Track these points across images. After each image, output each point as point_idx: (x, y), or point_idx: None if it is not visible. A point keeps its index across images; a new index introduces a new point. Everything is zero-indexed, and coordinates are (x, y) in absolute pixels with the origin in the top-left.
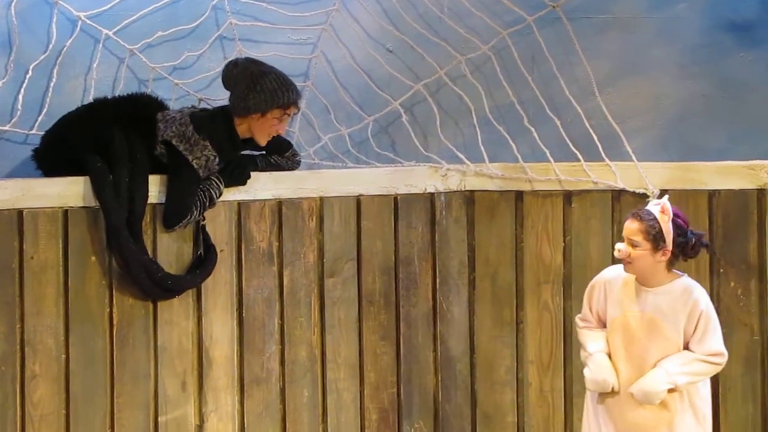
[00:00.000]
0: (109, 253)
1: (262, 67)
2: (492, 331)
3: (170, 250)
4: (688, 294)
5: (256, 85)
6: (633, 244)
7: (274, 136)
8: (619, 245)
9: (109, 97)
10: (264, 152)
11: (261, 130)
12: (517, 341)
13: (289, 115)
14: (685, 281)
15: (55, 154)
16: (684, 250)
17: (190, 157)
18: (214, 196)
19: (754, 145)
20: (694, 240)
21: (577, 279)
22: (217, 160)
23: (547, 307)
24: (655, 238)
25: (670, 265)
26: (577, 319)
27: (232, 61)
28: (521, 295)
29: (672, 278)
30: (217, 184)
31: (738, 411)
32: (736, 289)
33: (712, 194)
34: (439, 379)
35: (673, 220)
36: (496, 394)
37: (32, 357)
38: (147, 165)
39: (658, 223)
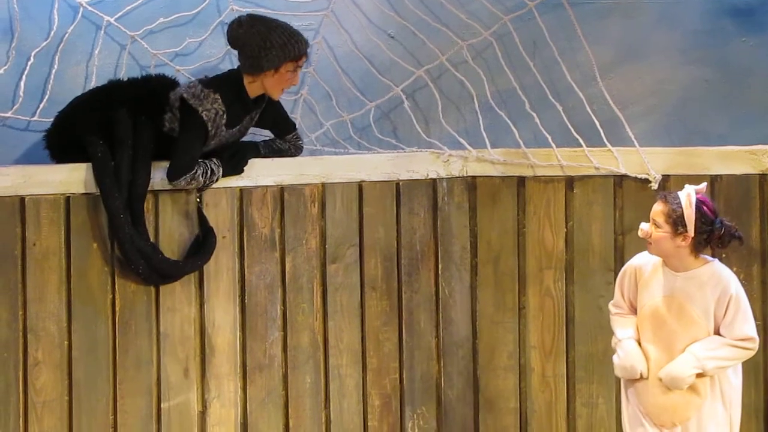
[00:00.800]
0: (112, 240)
1: (269, 23)
2: (494, 316)
3: (172, 237)
4: (718, 278)
5: (266, 41)
6: (656, 225)
7: (279, 119)
8: (642, 225)
9: (123, 79)
10: (265, 138)
11: (276, 85)
12: (519, 327)
13: (300, 66)
14: (715, 266)
15: (63, 137)
16: (709, 239)
17: (200, 109)
18: (215, 173)
19: (756, 130)
20: (723, 230)
21: (579, 264)
22: (225, 117)
23: (550, 292)
24: (676, 222)
25: (696, 251)
26: (610, 305)
27: (235, 20)
28: (523, 280)
29: (701, 263)
30: (216, 166)
31: (741, 396)
32: (738, 274)
33: (714, 179)
34: (442, 364)
35: (697, 208)
36: (499, 379)
37: (35, 343)
38: (151, 148)
39: (681, 208)
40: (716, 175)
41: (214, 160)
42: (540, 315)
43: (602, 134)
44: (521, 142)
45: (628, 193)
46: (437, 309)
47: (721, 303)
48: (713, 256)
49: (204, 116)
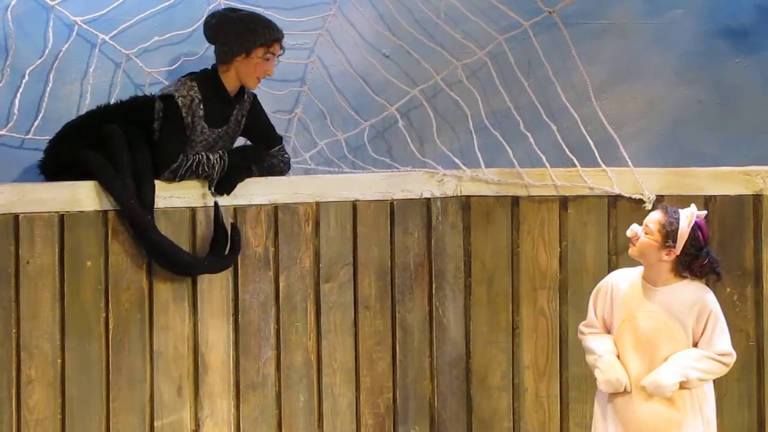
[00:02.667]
0: (105, 258)
1: (240, 12)
2: (488, 336)
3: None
4: (697, 294)
5: (236, 27)
6: (646, 231)
7: (264, 131)
8: (634, 225)
9: (110, 103)
10: (255, 146)
11: (248, 72)
12: (513, 347)
13: (274, 54)
14: (692, 282)
15: (56, 163)
16: (691, 263)
17: (175, 95)
18: (210, 160)
19: (750, 151)
20: (706, 260)
21: (573, 284)
22: (202, 107)
23: (543, 312)
24: (667, 235)
25: (676, 271)
26: (581, 326)
27: (210, 13)
28: (517, 300)
29: (678, 279)
30: (213, 156)
31: (734, 416)
32: (732, 294)
33: (708, 200)
34: (435, 384)
35: (693, 229)
36: (492, 399)
37: (28, 361)
38: (149, 154)
39: (678, 223)
40: (710, 196)
41: (219, 153)
42: (534, 335)
43: (596, 154)
44: (515, 162)
45: (622, 214)
46: (431, 328)
47: (701, 319)
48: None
49: (179, 102)
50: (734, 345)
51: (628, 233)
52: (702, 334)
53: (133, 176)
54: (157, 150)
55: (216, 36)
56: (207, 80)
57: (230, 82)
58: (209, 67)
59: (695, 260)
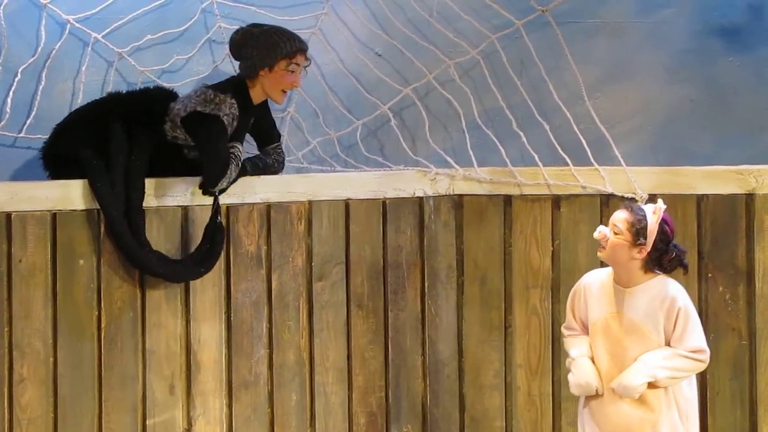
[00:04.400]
0: (98, 256)
1: (263, 26)
2: (480, 335)
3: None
4: (665, 292)
5: (258, 42)
6: (615, 231)
7: (267, 126)
8: (601, 227)
9: (122, 92)
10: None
11: (273, 86)
12: (505, 345)
13: (298, 64)
14: (662, 280)
15: (58, 149)
16: (660, 259)
17: (220, 114)
18: (239, 158)
19: (743, 150)
20: (674, 254)
21: (565, 283)
22: (235, 123)
23: (536, 311)
24: (638, 233)
25: (646, 267)
26: (563, 328)
27: (235, 31)
28: (510, 299)
29: (648, 278)
30: (238, 154)
31: (726, 416)
32: (724, 293)
33: (701, 199)
34: (428, 383)
35: (660, 224)
36: (485, 398)
37: (20, 360)
38: (147, 160)
39: (646, 220)
40: (702, 195)
41: (237, 145)
42: (526, 333)
43: (589, 153)
44: (508, 161)
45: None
46: (423, 327)
47: (670, 316)
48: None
49: (225, 120)
50: (726, 344)
51: (596, 236)
52: (673, 331)
53: (125, 179)
54: (208, 167)
55: (239, 51)
56: (241, 95)
57: (257, 96)
58: (237, 76)
59: (664, 255)
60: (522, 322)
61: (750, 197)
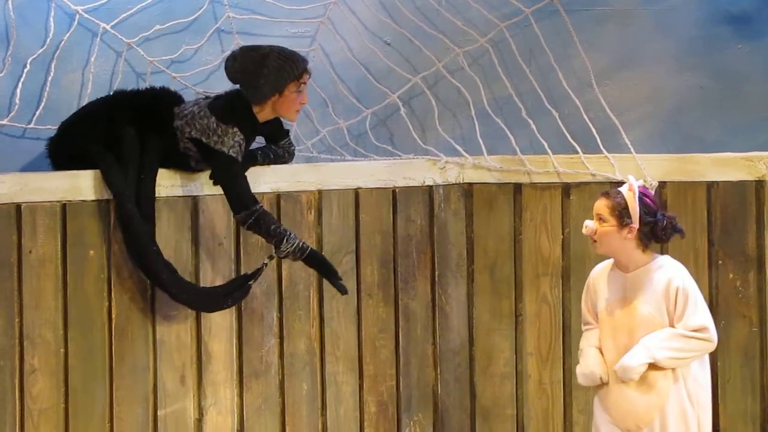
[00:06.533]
0: (108, 247)
1: (261, 50)
2: (491, 323)
3: (168, 244)
4: (663, 272)
5: (263, 69)
6: (600, 219)
7: (274, 127)
8: (587, 222)
9: (127, 90)
10: (262, 144)
11: (287, 108)
12: (516, 334)
13: (305, 83)
14: (660, 260)
15: (66, 147)
16: (654, 230)
17: (225, 149)
18: (290, 240)
19: (752, 137)
20: (665, 222)
21: (575, 271)
22: (245, 143)
23: (546, 299)
24: (621, 214)
25: (642, 245)
26: (582, 325)
27: (229, 56)
28: (520, 287)
29: (648, 260)
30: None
31: (737, 403)
32: (734, 280)
33: (711, 186)
34: (438, 371)
35: (639, 199)
36: (496, 386)
37: (31, 351)
38: (157, 164)
39: (625, 199)
40: (712, 182)
41: (258, 153)
42: (537, 322)
43: (598, 141)
44: (518, 149)
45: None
46: (434, 316)
47: (669, 296)
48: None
49: (232, 153)
50: (737, 331)
51: (585, 231)
52: (675, 311)
53: (137, 184)
54: (230, 199)
55: (242, 78)
56: (244, 117)
57: (265, 117)
58: (237, 93)
59: (655, 226)
60: (532, 310)
61: (760, 184)
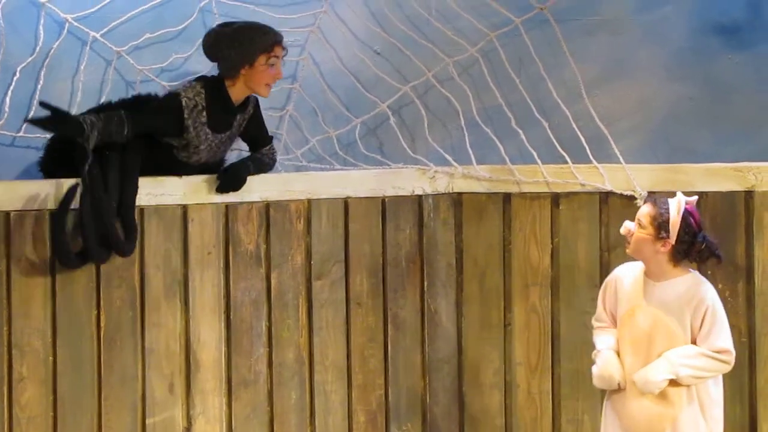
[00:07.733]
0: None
1: (235, 24)
2: (480, 333)
3: (157, 252)
4: (695, 289)
5: (234, 41)
6: (640, 225)
7: (257, 132)
8: (627, 222)
9: (112, 101)
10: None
11: (256, 81)
12: (505, 343)
13: (277, 57)
14: (693, 277)
15: (51, 160)
16: (689, 250)
17: (181, 93)
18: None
19: (742, 147)
20: (704, 245)
21: (564, 281)
22: (205, 115)
23: (535, 309)
24: (660, 227)
25: (675, 260)
26: (593, 320)
27: (206, 33)
28: (509, 297)
29: (679, 273)
30: (119, 120)
31: (726, 412)
32: (723, 291)
33: (700, 196)
34: (427, 381)
35: (684, 217)
36: (484, 396)
37: (20, 359)
38: (139, 161)
39: (668, 213)
40: (702, 192)
41: (123, 113)
42: (526, 331)
43: (588, 151)
44: (507, 159)
45: (613, 210)
46: (423, 325)
47: (698, 314)
48: (699, 271)
49: (183, 102)
50: None
51: (622, 231)
52: (700, 329)
53: (120, 178)
54: (109, 121)
55: (216, 53)
56: (215, 89)
57: (236, 93)
58: (216, 75)
59: (692, 247)
60: (521, 319)
61: (749, 194)
